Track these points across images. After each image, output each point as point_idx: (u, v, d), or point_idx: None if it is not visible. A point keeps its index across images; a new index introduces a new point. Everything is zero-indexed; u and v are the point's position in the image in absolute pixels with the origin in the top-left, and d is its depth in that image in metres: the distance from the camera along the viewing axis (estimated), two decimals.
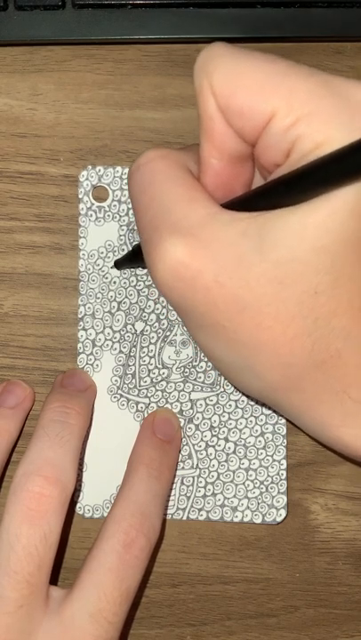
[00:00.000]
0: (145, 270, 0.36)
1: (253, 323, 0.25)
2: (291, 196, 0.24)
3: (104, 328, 0.36)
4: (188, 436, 0.36)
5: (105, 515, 0.35)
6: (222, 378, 0.36)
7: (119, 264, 0.36)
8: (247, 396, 0.36)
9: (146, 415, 0.36)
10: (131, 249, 0.36)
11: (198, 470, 0.36)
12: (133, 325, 0.36)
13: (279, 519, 0.36)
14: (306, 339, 0.25)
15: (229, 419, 0.36)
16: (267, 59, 0.25)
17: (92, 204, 0.36)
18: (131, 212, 0.36)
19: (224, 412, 0.36)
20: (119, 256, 0.36)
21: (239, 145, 0.26)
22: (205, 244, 0.25)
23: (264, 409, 0.36)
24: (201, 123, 0.26)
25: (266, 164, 0.26)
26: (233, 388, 0.36)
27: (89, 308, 0.36)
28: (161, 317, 0.36)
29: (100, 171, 0.36)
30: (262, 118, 0.24)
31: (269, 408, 0.36)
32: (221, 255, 0.25)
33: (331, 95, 0.24)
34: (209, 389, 0.36)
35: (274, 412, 0.36)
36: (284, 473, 0.36)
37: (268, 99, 0.24)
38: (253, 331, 0.25)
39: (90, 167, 0.36)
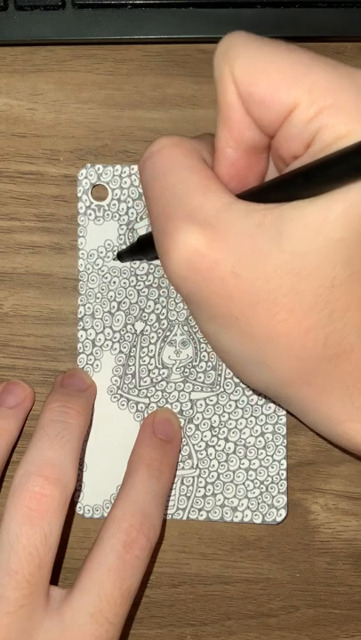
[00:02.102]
0: (145, 270, 0.36)
1: (268, 315, 0.25)
2: (310, 187, 0.24)
3: (104, 328, 0.36)
4: (188, 436, 0.36)
5: (105, 515, 0.35)
6: (222, 378, 0.36)
7: (122, 256, 0.36)
8: (250, 393, 0.36)
9: (146, 415, 0.36)
10: (135, 240, 0.36)
11: (198, 470, 0.36)
12: (133, 325, 0.36)
13: (279, 519, 0.36)
14: (320, 332, 0.25)
15: (229, 419, 0.36)
16: (290, 48, 0.25)
17: (92, 203, 0.36)
18: (130, 211, 0.36)
19: (224, 412, 0.36)
20: (122, 248, 0.36)
21: (257, 135, 0.26)
22: (222, 235, 0.25)
23: (264, 409, 0.36)
24: (219, 110, 0.26)
25: (284, 156, 0.26)
26: (233, 388, 0.36)
27: (89, 307, 0.36)
28: (161, 317, 0.36)
29: (99, 169, 0.36)
30: (284, 109, 0.24)
31: (270, 407, 0.36)
32: (238, 246, 0.25)
33: (355, 88, 0.23)
34: (209, 389, 0.36)
35: (274, 412, 0.36)
36: (284, 473, 0.36)
37: (291, 89, 0.24)
38: (268, 323, 0.25)
39: (89, 165, 0.36)
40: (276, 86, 0.24)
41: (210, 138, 0.28)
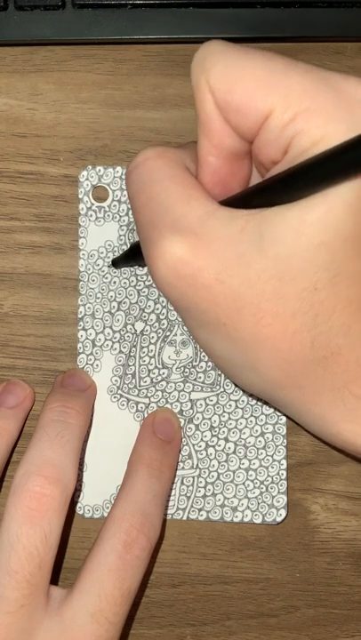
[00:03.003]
0: (145, 270, 0.36)
1: (254, 319, 0.25)
2: (288, 193, 0.24)
3: (104, 328, 0.36)
4: (188, 436, 0.36)
5: (105, 515, 0.35)
6: (222, 378, 0.36)
7: (117, 263, 0.36)
8: (249, 395, 0.36)
9: (146, 415, 0.36)
10: (128, 247, 0.36)
11: (198, 470, 0.36)
12: (133, 325, 0.36)
13: (279, 519, 0.36)
14: (306, 335, 0.25)
15: (229, 419, 0.36)
16: (264, 56, 0.25)
17: (92, 204, 0.36)
18: (131, 212, 0.36)
19: (224, 412, 0.36)
20: (117, 255, 0.36)
21: (237, 142, 0.26)
22: (205, 242, 0.25)
23: (264, 409, 0.36)
24: (198, 120, 0.26)
25: (264, 161, 0.26)
26: (233, 388, 0.36)
27: (89, 308, 0.36)
28: (161, 317, 0.36)
29: (100, 171, 0.36)
30: (260, 115, 0.24)
31: (270, 407, 0.36)
32: (221, 252, 0.25)
33: (329, 92, 0.24)
34: (209, 389, 0.36)
35: (274, 411, 0.36)
36: (285, 473, 0.36)
37: (266, 96, 0.24)
38: (254, 328, 0.25)
39: (90, 167, 0.36)
40: (251, 94, 0.24)
41: (193, 145, 0.28)
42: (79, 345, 0.36)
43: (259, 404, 0.36)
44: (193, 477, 0.36)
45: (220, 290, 0.25)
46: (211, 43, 0.26)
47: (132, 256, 0.35)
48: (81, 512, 0.36)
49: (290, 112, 0.24)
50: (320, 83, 0.24)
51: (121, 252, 0.36)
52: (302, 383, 0.26)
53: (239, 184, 0.28)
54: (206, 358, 0.36)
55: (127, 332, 0.36)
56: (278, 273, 0.24)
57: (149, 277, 0.36)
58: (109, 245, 0.36)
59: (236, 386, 0.36)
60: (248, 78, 0.25)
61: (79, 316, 0.36)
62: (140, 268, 0.36)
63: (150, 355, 0.36)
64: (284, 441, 0.36)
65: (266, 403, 0.36)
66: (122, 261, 0.36)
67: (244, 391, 0.36)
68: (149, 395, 0.36)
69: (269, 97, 0.24)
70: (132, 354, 0.36)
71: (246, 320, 0.25)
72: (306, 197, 0.24)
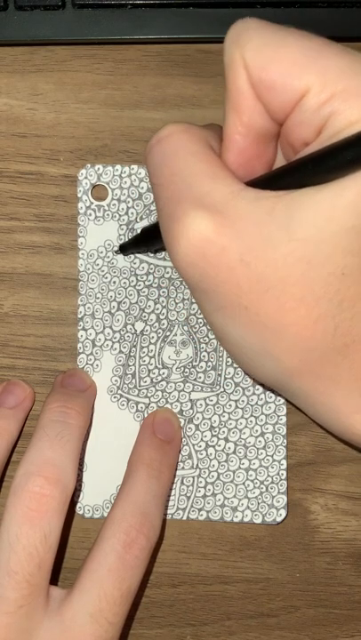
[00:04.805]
0: (145, 270, 0.36)
1: (277, 304, 0.25)
2: (320, 174, 0.23)
3: (104, 328, 0.36)
4: (188, 436, 0.36)
5: (105, 515, 0.35)
6: (222, 378, 0.36)
7: (125, 248, 0.36)
8: (254, 392, 0.36)
9: (146, 415, 0.36)
10: (139, 232, 0.35)
11: (198, 470, 0.36)
12: (133, 325, 0.36)
13: (279, 519, 0.36)
14: (330, 321, 0.25)
15: (229, 419, 0.36)
16: (301, 34, 0.24)
17: (92, 203, 0.36)
18: (130, 211, 0.36)
19: (224, 412, 0.36)
20: (125, 241, 0.36)
21: (267, 122, 0.26)
22: (231, 222, 0.25)
23: (264, 409, 0.36)
24: (229, 97, 0.26)
25: (295, 143, 0.25)
26: (233, 388, 0.36)
27: (89, 307, 0.36)
28: (161, 317, 0.36)
29: (99, 169, 0.36)
30: (295, 94, 0.24)
31: (270, 407, 0.36)
32: (247, 233, 0.24)
33: None
34: (209, 389, 0.36)
35: (274, 412, 0.36)
36: (284, 473, 0.36)
37: (303, 74, 0.24)
38: (276, 312, 0.25)
39: (89, 166, 0.36)
40: (287, 72, 0.24)
41: (217, 127, 0.27)
42: (79, 345, 0.36)
43: (259, 404, 0.36)
44: (193, 477, 0.36)
45: (243, 272, 0.25)
46: (247, 19, 0.25)
47: (144, 240, 0.34)
48: (81, 512, 0.36)
49: (327, 92, 0.23)
50: (358, 64, 0.23)
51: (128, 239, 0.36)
52: (320, 372, 0.26)
53: (263, 167, 0.27)
54: (206, 358, 0.36)
55: (127, 331, 0.36)
56: (306, 256, 0.24)
57: (149, 277, 0.36)
58: (109, 245, 0.36)
59: (240, 381, 0.36)
60: (284, 56, 0.24)
61: (79, 316, 0.36)
62: (140, 268, 0.36)
63: (150, 355, 0.36)
64: (285, 441, 0.36)
65: (266, 402, 0.36)
66: (131, 246, 0.35)
67: (245, 389, 0.36)
68: (149, 395, 0.36)
69: (306, 75, 0.24)
70: (132, 354, 0.36)
71: (269, 304, 0.25)
72: (337, 180, 0.23)
